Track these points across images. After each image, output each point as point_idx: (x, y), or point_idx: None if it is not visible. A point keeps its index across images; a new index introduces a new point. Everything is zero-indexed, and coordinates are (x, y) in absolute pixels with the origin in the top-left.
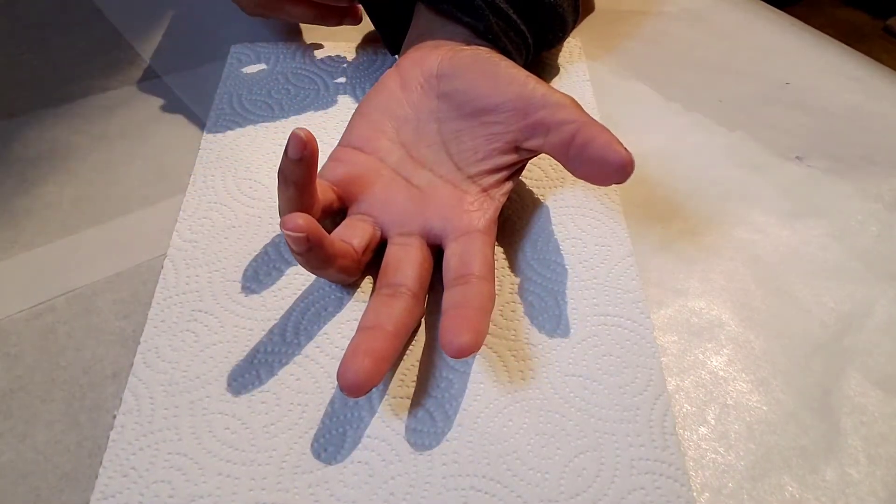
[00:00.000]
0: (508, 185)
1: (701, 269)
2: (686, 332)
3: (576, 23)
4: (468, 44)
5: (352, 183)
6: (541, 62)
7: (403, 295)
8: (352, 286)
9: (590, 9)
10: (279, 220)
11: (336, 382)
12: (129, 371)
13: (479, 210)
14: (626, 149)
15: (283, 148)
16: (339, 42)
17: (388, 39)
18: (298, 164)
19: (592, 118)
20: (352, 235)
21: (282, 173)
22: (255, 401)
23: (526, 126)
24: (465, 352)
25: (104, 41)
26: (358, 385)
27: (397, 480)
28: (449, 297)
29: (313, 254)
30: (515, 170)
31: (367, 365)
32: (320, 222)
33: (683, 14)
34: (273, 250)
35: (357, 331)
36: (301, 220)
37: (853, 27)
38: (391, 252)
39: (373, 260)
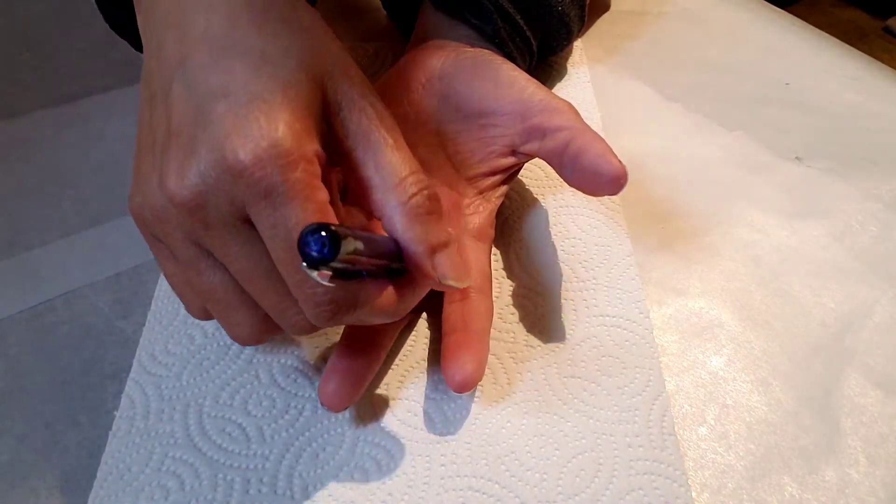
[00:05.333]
0: (505, 188)
1: (701, 269)
2: (686, 332)
3: (581, 32)
4: (472, 46)
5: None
6: (542, 63)
7: None
8: None
9: (605, 7)
10: None
11: None
12: (129, 371)
13: (475, 213)
14: (619, 161)
15: None
16: (341, 41)
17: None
18: None
19: (588, 127)
20: (346, 215)
21: None
22: (252, 401)
23: (523, 130)
24: (468, 387)
25: (103, 41)
26: (337, 403)
27: (395, 481)
28: (448, 317)
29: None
30: (511, 173)
31: (347, 382)
32: None
33: (683, 14)
34: None
35: (341, 337)
36: None
37: (853, 27)
38: None
39: None
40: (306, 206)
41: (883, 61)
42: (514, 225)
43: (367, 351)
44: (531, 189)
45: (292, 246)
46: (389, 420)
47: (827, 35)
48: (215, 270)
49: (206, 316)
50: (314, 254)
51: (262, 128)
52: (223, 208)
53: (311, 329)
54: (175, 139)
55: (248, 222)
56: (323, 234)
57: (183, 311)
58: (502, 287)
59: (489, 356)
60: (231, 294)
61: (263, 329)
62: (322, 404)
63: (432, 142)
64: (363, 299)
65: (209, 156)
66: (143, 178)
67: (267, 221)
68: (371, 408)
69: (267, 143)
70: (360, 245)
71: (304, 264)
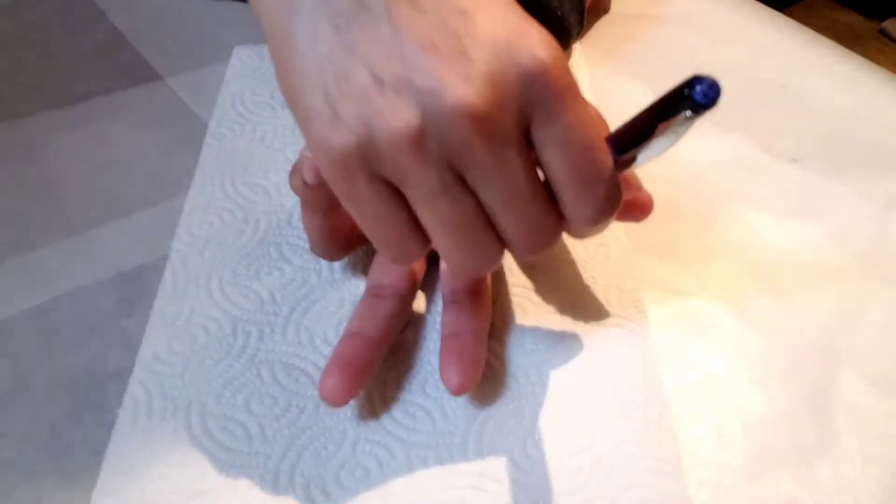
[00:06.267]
0: None
1: (698, 269)
2: (683, 331)
3: (579, 35)
4: None
5: None
6: None
7: (390, 296)
8: (353, 288)
9: (605, 9)
10: (279, 221)
11: None
12: (132, 370)
13: None
14: (646, 191)
15: (283, 151)
16: None
17: None
18: (321, 189)
19: None
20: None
21: (305, 203)
22: (254, 400)
23: None
24: (464, 389)
25: (107, 43)
26: (336, 398)
27: (395, 480)
28: (446, 319)
29: (324, 190)
30: None
31: (347, 377)
32: (355, 247)
33: (681, 17)
34: (274, 251)
35: (342, 336)
36: None
37: (849, 29)
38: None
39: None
40: (587, 104)
41: (878, 63)
42: None
43: (367, 347)
44: None
45: (589, 144)
46: (390, 419)
47: (823, 37)
48: (466, 196)
49: (413, 258)
50: (712, 96)
51: (541, 31)
52: (513, 116)
53: (552, 247)
54: (430, 53)
55: (524, 133)
56: (710, 79)
57: (187, 310)
58: (502, 287)
59: (489, 356)
60: (478, 220)
61: (500, 254)
62: (322, 398)
63: None
64: (621, 194)
65: (497, 60)
66: (362, 107)
67: (560, 123)
68: (372, 407)
69: (555, 44)
70: None
71: (688, 112)
